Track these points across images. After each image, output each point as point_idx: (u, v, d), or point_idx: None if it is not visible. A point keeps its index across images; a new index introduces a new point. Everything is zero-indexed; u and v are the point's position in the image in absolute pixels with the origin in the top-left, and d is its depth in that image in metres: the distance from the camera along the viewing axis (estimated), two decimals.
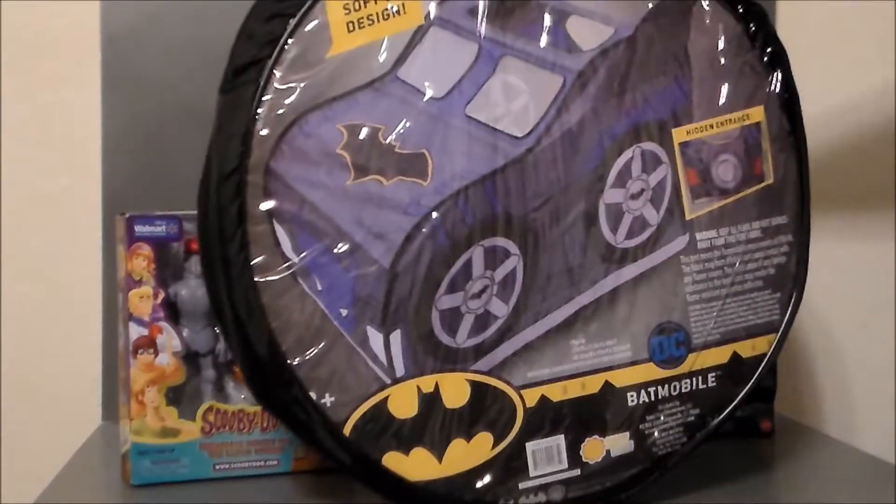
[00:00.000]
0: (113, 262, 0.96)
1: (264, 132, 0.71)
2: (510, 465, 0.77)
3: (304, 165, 0.72)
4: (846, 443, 1.02)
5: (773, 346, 0.83)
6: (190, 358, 0.86)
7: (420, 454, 0.75)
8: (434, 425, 0.75)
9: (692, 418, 0.81)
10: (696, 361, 0.81)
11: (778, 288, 0.83)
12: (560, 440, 0.78)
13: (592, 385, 0.79)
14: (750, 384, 0.83)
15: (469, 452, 0.76)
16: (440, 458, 0.75)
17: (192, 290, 0.86)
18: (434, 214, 0.73)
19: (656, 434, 0.80)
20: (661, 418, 0.80)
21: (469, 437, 0.76)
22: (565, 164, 0.77)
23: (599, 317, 0.79)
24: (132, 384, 0.84)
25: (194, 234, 0.86)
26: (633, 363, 0.80)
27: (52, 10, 1.10)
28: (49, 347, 1.11)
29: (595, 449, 0.79)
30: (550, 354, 0.78)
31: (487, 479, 0.76)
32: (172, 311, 0.86)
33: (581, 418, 0.78)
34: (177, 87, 1.07)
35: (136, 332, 0.84)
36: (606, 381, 0.79)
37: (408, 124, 0.73)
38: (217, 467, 0.86)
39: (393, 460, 0.74)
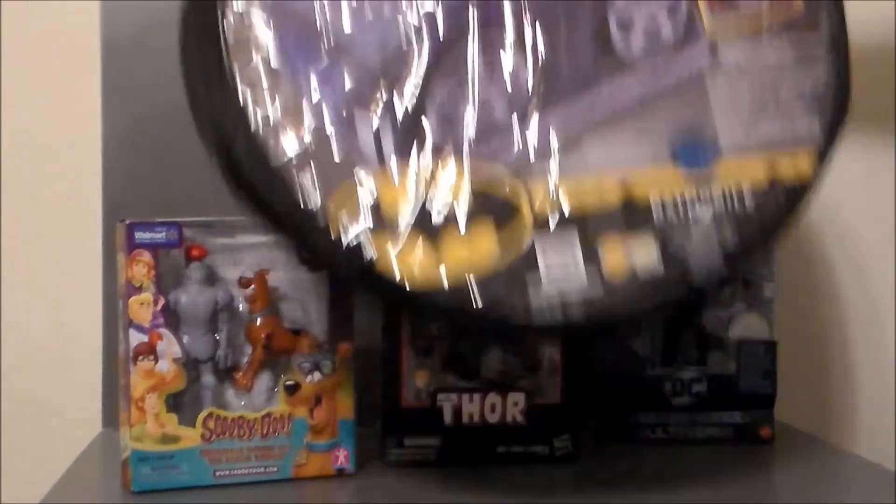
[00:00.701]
0: (113, 269, 0.96)
1: None
2: (521, 271, 0.70)
3: None
4: (846, 449, 1.02)
5: (815, 166, 0.76)
6: (190, 364, 0.86)
7: (414, 246, 0.70)
8: (427, 221, 0.70)
9: (728, 243, 0.73)
10: (727, 171, 0.74)
11: (817, 106, 0.77)
12: (576, 246, 0.71)
13: (610, 185, 0.73)
14: (797, 208, 0.75)
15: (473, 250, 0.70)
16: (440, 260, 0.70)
17: (192, 296, 0.86)
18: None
19: (687, 252, 0.72)
20: (692, 232, 0.73)
21: (471, 238, 0.70)
22: None
23: (620, 119, 0.74)
24: (132, 391, 0.84)
25: (194, 240, 0.86)
26: (654, 166, 0.74)
27: (53, 14, 1.10)
28: (49, 354, 1.11)
29: (618, 263, 0.71)
30: (564, 152, 0.73)
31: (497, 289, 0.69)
32: (172, 317, 0.86)
33: (598, 221, 0.71)
34: (178, 92, 1.07)
35: (136, 338, 0.84)
36: (624, 181, 0.73)
37: None
38: (217, 474, 0.86)
39: (380, 249, 0.69)
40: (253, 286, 0.88)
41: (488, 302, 0.70)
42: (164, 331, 0.85)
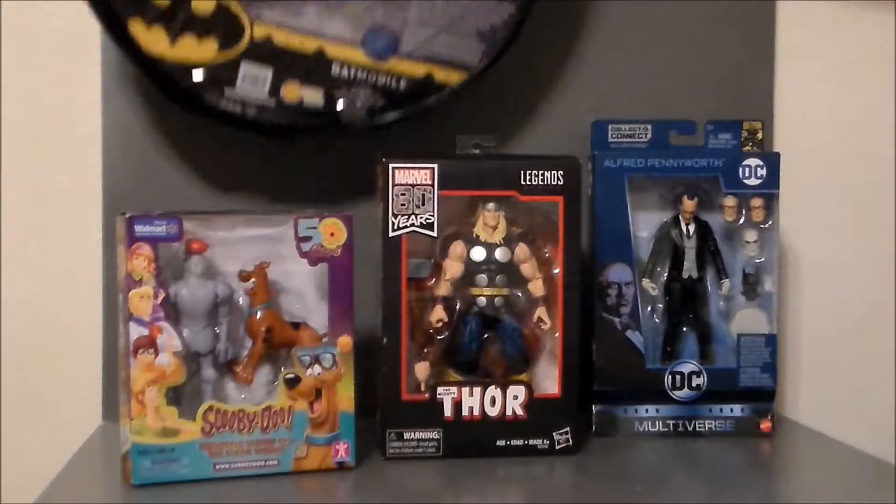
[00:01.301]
0: (113, 262, 0.96)
1: None
2: (224, 73, 0.97)
3: None
4: (846, 443, 1.02)
5: (461, 81, 1.02)
6: (190, 358, 0.86)
7: (158, 32, 0.95)
8: (177, 17, 0.95)
9: (379, 107, 1.00)
10: (396, 65, 1.00)
11: (486, 40, 1.01)
12: (269, 72, 0.98)
13: (309, 45, 0.98)
14: (430, 99, 1.01)
15: (197, 49, 0.96)
16: (172, 42, 0.96)
17: (192, 289, 0.86)
18: None
19: (344, 102, 0.99)
20: (354, 92, 0.99)
21: (199, 39, 0.96)
22: None
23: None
24: (132, 384, 0.84)
25: (194, 234, 0.86)
26: (346, 43, 0.99)
27: (52, 10, 1.10)
28: (49, 347, 1.11)
29: (292, 92, 0.98)
30: (287, 7, 0.97)
31: (203, 75, 0.97)
32: (173, 310, 0.86)
33: (286, 63, 0.98)
34: None
35: (136, 331, 0.84)
36: (321, 47, 0.99)
37: None
38: (217, 467, 0.86)
39: (135, 27, 0.95)
40: (253, 279, 0.88)
41: (200, 81, 0.97)
42: (164, 324, 0.85)
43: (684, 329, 1.03)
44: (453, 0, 1.00)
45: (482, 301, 0.94)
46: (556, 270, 0.95)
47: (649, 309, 1.02)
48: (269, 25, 0.97)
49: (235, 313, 0.88)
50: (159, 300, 0.85)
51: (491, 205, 0.95)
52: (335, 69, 0.98)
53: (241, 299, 0.88)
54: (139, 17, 0.94)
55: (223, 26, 0.96)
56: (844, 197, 1.22)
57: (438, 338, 0.95)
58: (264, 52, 0.97)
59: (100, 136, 1.09)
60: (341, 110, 0.99)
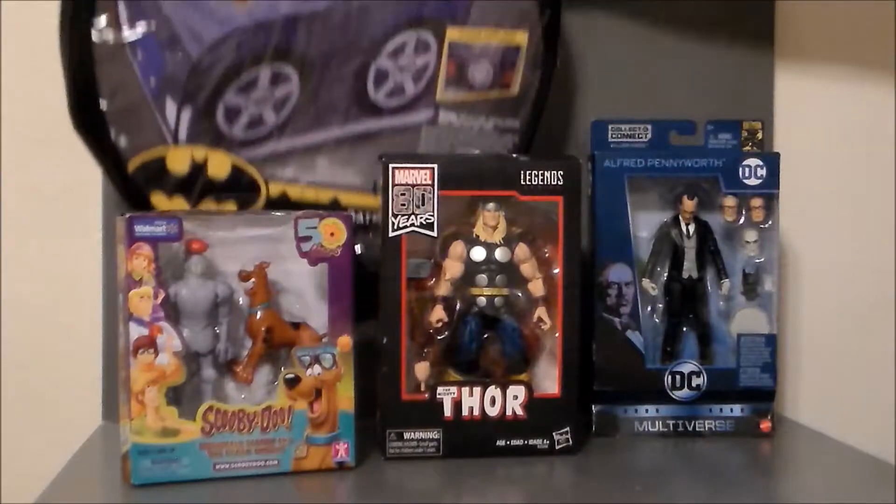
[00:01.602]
0: (113, 263, 0.96)
1: None
2: None
3: None
4: (846, 443, 1.02)
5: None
6: (190, 358, 0.86)
7: (179, 201, 0.97)
8: (196, 185, 0.96)
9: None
10: None
11: None
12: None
13: (324, 196, 1.00)
14: None
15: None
16: (193, 207, 0.97)
17: (192, 290, 0.86)
18: (243, 31, 0.94)
19: (362, 247, 1.00)
20: (371, 238, 1.00)
21: (219, 203, 0.97)
22: (356, 27, 0.96)
23: (346, 148, 1.00)
24: (132, 384, 0.84)
25: (194, 233, 0.86)
26: (359, 190, 1.01)
27: (52, 10, 1.10)
28: (49, 347, 1.11)
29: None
30: (299, 163, 0.99)
31: None
32: (173, 311, 0.86)
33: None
34: None
35: (136, 332, 0.84)
36: (335, 197, 1.00)
37: None
38: (217, 467, 0.86)
39: (157, 199, 0.96)
40: (253, 279, 0.88)
41: None
42: (164, 324, 0.85)
43: (684, 329, 1.03)
44: (458, 135, 1.03)
45: (482, 301, 0.94)
46: (556, 270, 0.95)
47: (649, 309, 1.02)
48: (283, 183, 0.99)
49: (235, 313, 0.88)
50: (159, 300, 0.85)
51: (491, 205, 0.95)
52: (351, 216, 0.95)
53: (241, 299, 0.88)
54: (160, 191, 0.96)
55: (240, 188, 0.98)
56: (844, 197, 1.22)
57: (438, 338, 0.95)
58: (281, 206, 0.98)
59: None
60: (360, 254, 0.99)
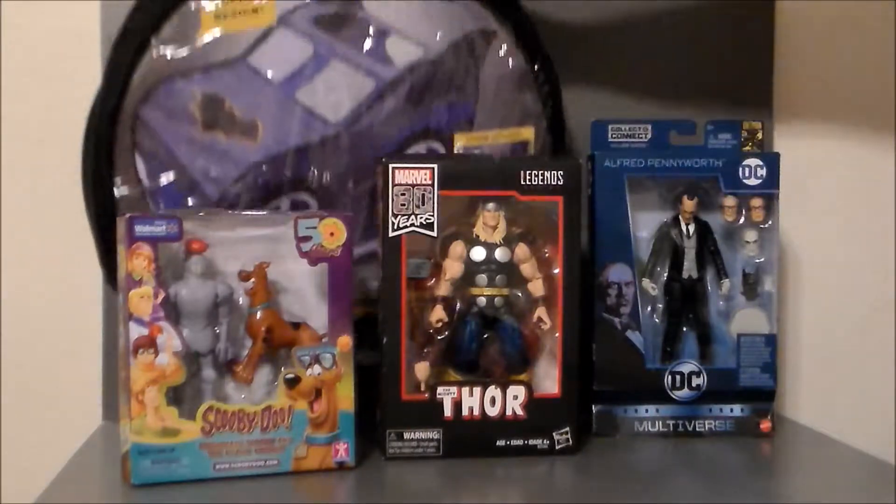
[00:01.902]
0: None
1: (138, 85, 0.92)
2: None
3: (165, 115, 0.93)
4: (846, 443, 1.02)
5: None
6: (190, 358, 0.86)
7: None
8: None
9: None
10: None
11: None
12: None
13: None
14: None
15: None
16: None
17: (192, 289, 0.86)
18: (257, 168, 0.93)
19: None
20: None
21: None
22: (365, 148, 0.94)
23: (361, 267, 0.96)
24: (132, 384, 0.84)
25: (194, 234, 0.86)
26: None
27: (52, 10, 1.10)
28: (49, 347, 1.11)
29: None
30: None
31: None
32: (173, 310, 0.86)
33: None
34: None
35: (136, 331, 0.84)
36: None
37: (248, 98, 0.92)
38: (217, 467, 0.86)
39: None
40: (253, 279, 0.88)
41: None
42: (164, 324, 0.85)
43: (684, 329, 1.03)
44: None
45: (482, 301, 0.94)
46: (556, 270, 0.95)
47: (649, 309, 1.02)
48: None
49: (235, 313, 0.88)
50: (159, 300, 0.85)
51: (491, 205, 0.95)
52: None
53: (241, 299, 0.88)
54: None
55: None
56: (844, 197, 1.22)
57: (438, 338, 0.95)
58: None
59: None
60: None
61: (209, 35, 0.92)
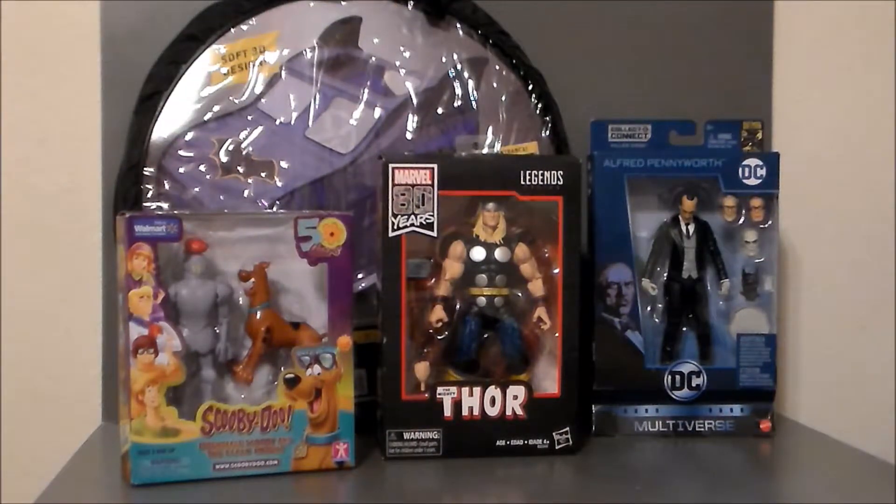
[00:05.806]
0: (113, 262, 0.96)
1: (159, 140, 0.99)
2: None
3: (186, 164, 1.00)
4: (846, 443, 1.02)
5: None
6: (190, 358, 0.86)
7: None
8: None
9: None
10: None
11: None
12: None
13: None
14: None
15: None
16: None
17: (192, 289, 0.86)
18: (277, 204, 1.00)
19: None
20: None
21: None
22: (376, 175, 0.95)
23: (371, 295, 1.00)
24: (132, 384, 0.84)
25: (194, 234, 0.86)
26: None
27: (52, 10, 1.10)
28: (49, 347, 1.11)
29: None
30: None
31: None
32: (172, 310, 0.86)
33: None
34: None
35: (136, 331, 0.84)
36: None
37: (262, 141, 1.01)
38: (217, 467, 0.86)
39: None
40: (253, 279, 0.88)
41: None
42: (164, 324, 0.85)
43: (684, 329, 1.03)
44: None
45: (482, 301, 0.94)
46: (556, 270, 0.95)
47: (649, 309, 1.02)
48: None
49: (235, 313, 0.88)
50: (159, 300, 0.85)
51: (490, 205, 0.95)
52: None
53: (241, 299, 0.88)
54: None
55: None
56: (844, 197, 1.22)
57: (438, 338, 0.95)
58: None
59: (100, 136, 1.09)
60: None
61: (219, 87, 1.01)
